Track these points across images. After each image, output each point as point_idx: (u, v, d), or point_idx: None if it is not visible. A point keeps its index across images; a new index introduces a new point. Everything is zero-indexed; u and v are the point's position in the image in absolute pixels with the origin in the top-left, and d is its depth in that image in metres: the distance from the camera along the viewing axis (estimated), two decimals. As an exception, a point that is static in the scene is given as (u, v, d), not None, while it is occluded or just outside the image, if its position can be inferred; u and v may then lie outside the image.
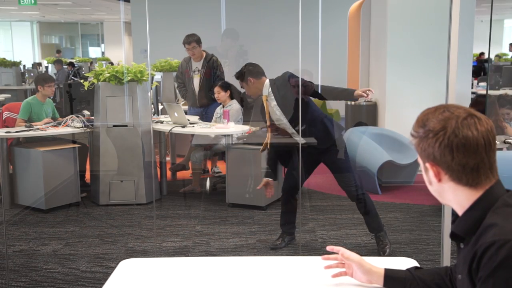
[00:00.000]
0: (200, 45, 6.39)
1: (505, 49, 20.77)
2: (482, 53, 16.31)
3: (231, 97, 6.08)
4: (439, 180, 1.39)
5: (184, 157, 6.67)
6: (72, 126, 5.69)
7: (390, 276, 1.73)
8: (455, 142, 1.33)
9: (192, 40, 6.33)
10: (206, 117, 6.36)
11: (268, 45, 11.51)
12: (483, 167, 1.35)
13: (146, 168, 5.57)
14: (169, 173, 6.58)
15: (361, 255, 1.83)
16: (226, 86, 6.05)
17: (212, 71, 6.39)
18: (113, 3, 15.56)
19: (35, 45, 24.13)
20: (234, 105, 6.00)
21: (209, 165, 6.82)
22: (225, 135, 5.73)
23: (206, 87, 6.38)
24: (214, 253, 4.34)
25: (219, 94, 6.04)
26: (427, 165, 1.40)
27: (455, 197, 1.40)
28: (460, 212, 1.42)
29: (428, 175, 1.43)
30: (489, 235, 1.28)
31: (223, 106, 6.08)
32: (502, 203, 1.34)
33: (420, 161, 1.45)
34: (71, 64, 15.13)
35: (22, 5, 11.01)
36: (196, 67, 6.47)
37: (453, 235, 1.43)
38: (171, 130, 5.73)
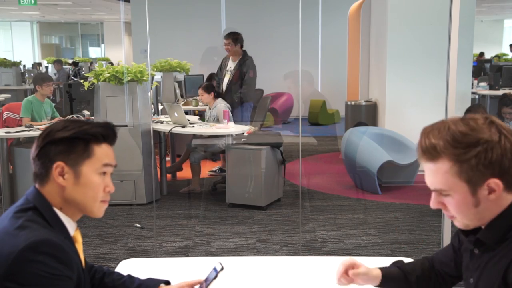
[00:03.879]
0: (238, 44, 6.29)
1: (505, 49, 20.78)
2: (482, 53, 16.32)
3: (216, 97, 6.08)
4: (497, 195, 1.27)
5: (180, 158, 6.69)
6: (72, 126, 5.68)
7: (387, 277, 1.68)
8: None
9: (229, 37, 6.30)
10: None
11: (268, 45, 11.51)
12: None
13: (146, 168, 5.57)
14: (169, 173, 6.58)
15: (361, 255, 1.84)
16: (209, 88, 6.06)
17: (241, 74, 6.29)
18: (113, 3, 15.56)
19: (35, 45, 24.15)
20: (219, 105, 6.01)
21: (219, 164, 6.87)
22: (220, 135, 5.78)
23: (233, 88, 6.32)
24: (214, 253, 4.34)
25: (202, 96, 6.09)
26: (491, 181, 1.25)
27: (496, 208, 1.30)
28: (486, 220, 1.34)
29: (479, 195, 1.28)
30: None
31: (210, 108, 6.11)
32: None
33: (460, 185, 1.28)
34: (74, 63, 15.14)
35: (22, 5, 11.03)
36: (230, 67, 6.43)
37: (477, 242, 1.37)
38: (171, 130, 5.73)
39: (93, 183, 1.45)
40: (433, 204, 1.36)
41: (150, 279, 1.71)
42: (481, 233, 1.35)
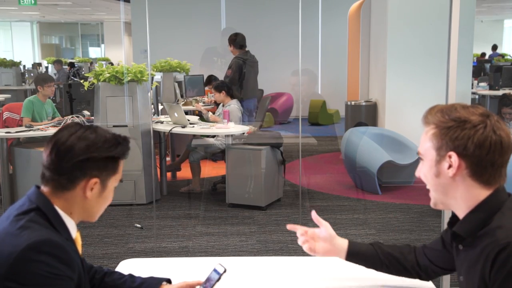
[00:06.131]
0: (232, 45, 6.56)
1: (505, 49, 20.77)
2: (483, 54, 16.32)
3: (231, 97, 6.11)
4: (455, 174, 1.35)
5: (179, 158, 6.69)
6: (72, 126, 5.67)
7: (354, 251, 1.74)
8: (494, 138, 1.32)
9: (227, 39, 6.58)
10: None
11: (268, 45, 11.51)
12: (504, 168, 1.36)
13: (146, 168, 5.57)
14: (169, 173, 6.58)
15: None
16: (220, 87, 6.12)
17: (227, 72, 6.60)
18: (113, 3, 15.57)
19: (35, 45, 24.14)
20: (232, 105, 6.02)
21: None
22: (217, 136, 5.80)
23: None
24: (214, 253, 4.34)
25: (214, 95, 6.22)
26: (451, 154, 1.34)
27: (464, 194, 1.37)
28: (462, 211, 1.40)
29: (440, 166, 1.38)
30: (502, 236, 1.28)
31: (223, 106, 6.13)
32: (509, 206, 1.35)
33: (431, 152, 1.39)
34: (71, 64, 15.13)
35: (22, 5, 11.04)
36: None
37: (454, 236, 1.42)
38: (171, 130, 5.73)
39: (110, 196, 1.54)
40: (416, 171, 1.48)
41: (151, 278, 1.71)
42: (457, 226, 1.41)
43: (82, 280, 1.46)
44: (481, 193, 1.36)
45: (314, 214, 1.77)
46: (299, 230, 1.80)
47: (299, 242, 1.79)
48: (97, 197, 1.47)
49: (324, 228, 1.76)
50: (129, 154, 1.53)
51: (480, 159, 1.33)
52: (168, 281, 1.72)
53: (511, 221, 1.31)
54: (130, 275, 1.71)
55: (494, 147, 1.32)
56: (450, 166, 1.36)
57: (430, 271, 1.69)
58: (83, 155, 1.41)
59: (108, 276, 1.69)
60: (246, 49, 6.58)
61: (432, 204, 1.46)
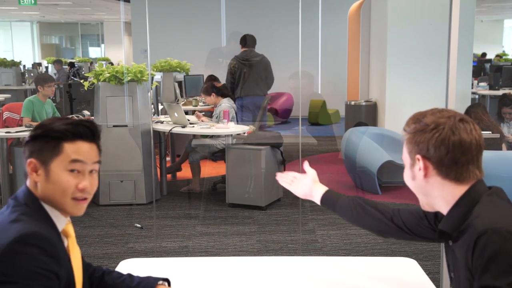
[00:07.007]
0: (240, 45, 6.71)
1: (505, 49, 20.76)
2: (484, 54, 16.32)
3: (223, 96, 6.15)
4: (425, 175, 1.43)
5: (179, 159, 6.69)
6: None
7: (328, 197, 1.92)
8: (452, 139, 1.39)
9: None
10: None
11: (268, 45, 11.50)
12: (472, 164, 1.42)
13: (146, 168, 5.57)
14: (168, 173, 6.58)
15: (361, 255, 1.84)
16: (207, 90, 6.19)
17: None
18: (113, 3, 15.57)
19: (35, 45, 24.14)
20: (223, 104, 6.05)
21: None
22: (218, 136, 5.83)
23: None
24: (214, 253, 4.34)
25: (206, 99, 6.33)
26: (418, 157, 1.44)
27: (440, 192, 1.44)
28: (444, 209, 1.46)
29: (414, 169, 1.47)
30: (479, 224, 1.33)
31: (215, 106, 6.18)
32: (486, 199, 1.40)
33: (406, 157, 1.49)
34: (71, 64, 15.13)
35: (22, 5, 11.04)
36: None
37: (441, 233, 1.47)
38: (171, 130, 5.74)
39: (61, 180, 1.46)
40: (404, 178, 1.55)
41: (149, 277, 1.72)
42: (441, 223, 1.47)
43: (71, 276, 1.46)
44: (456, 190, 1.43)
45: (306, 163, 2.03)
46: (289, 176, 2.07)
47: (280, 182, 2.11)
48: (44, 181, 1.45)
49: (309, 174, 2.02)
50: (82, 135, 1.49)
51: (441, 159, 1.41)
52: (166, 280, 1.73)
53: (487, 210, 1.37)
54: (129, 275, 1.72)
55: (453, 147, 1.39)
56: (420, 168, 1.44)
57: (395, 230, 1.75)
58: (26, 139, 1.49)
59: (107, 275, 1.70)
60: (251, 48, 6.67)
61: (421, 206, 1.54)
